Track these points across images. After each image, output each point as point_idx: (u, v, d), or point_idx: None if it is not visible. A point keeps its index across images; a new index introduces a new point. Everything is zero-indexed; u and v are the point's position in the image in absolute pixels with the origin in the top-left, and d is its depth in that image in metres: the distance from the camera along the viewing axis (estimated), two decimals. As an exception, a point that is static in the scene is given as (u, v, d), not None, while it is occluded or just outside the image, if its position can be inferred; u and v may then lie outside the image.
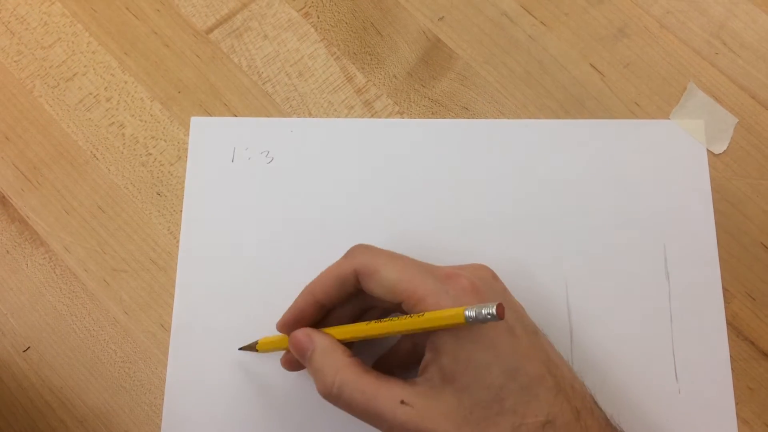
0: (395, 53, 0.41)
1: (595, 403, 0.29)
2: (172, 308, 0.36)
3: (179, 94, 0.40)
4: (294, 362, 0.33)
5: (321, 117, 0.40)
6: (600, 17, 0.42)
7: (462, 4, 0.42)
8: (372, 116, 0.40)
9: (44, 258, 0.37)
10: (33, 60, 0.41)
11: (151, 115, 0.40)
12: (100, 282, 0.37)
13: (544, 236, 0.37)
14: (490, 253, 0.37)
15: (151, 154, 0.39)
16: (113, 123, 0.40)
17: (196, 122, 0.40)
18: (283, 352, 0.34)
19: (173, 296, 0.37)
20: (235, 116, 0.40)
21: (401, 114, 0.40)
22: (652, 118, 0.40)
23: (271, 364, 0.35)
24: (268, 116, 0.40)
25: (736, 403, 0.35)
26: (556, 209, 0.38)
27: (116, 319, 0.36)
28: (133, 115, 0.40)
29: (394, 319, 0.29)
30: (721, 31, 0.41)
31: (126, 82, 0.41)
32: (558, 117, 0.40)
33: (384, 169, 0.39)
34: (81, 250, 0.38)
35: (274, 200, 0.38)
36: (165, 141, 0.39)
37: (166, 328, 0.36)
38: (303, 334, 0.30)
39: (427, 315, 0.27)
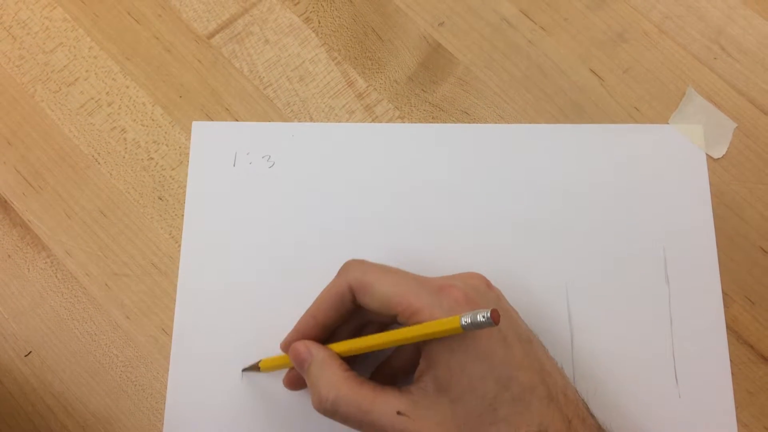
0: (396, 58, 0.41)
1: (588, 410, 0.29)
2: (173, 312, 0.36)
3: (181, 98, 0.40)
4: (295, 381, 0.33)
5: (322, 121, 0.40)
6: (599, 22, 0.42)
7: (462, 10, 0.42)
8: (373, 121, 0.40)
9: (46, 262, 0.38)
10: (35, 65, 0.41)
11: (153, 120, 0.40)
12: (101, 286, 0.37)
13: (544, 241, 0.37)
14: (489, 258, 0.37)
15: (152, 158, 0.39)
16: (115, 127, 0.40)
17: (198, 127, 0.40)
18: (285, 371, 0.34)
19: (175, 300, 0.37)
20: (237, 121, 0.40)
21: (402, 119, 0.40)
22: (652, 123, 0.40)
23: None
24: (269, 121, 0.40)
25: (736, 407, 0.35)
26: (556, 214, 0.38)
27: (118, 323, 0.37)
28: (134, 120, 0.40)
29: (391, 331, 0.29)
30: (720, 36, 0.42)
31: (127, 87, 0.41)
32: (557, 121, 0.40)
33: (384, 173, 0.39)
34: (82, 254, 0.38)
35: (276, 204, 0.38)
36: (166, 145, 0.40)
37: (167, 332, 0.36)
38: (303, 345, 0.31)
39: (425, 325, 0.27)
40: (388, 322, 0.32)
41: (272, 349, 0.34)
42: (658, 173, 0.39)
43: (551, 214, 0.38)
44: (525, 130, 0.40)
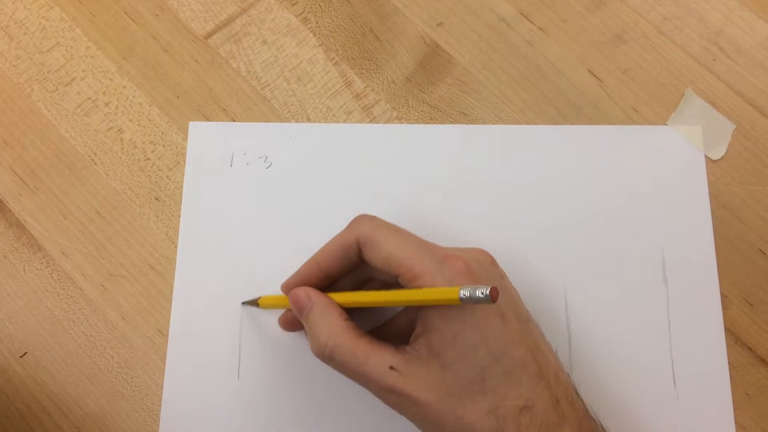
0: (394, 59, 0.41)
1: (577, 394, 0.30)
2: (169, 313, 0.36)
3: (178, 98, 0.40)
4: (291, 322, 0.34)
5: (319, 122, 0.40)
6: (598, 23, 0.42)
7: (460, 10, 0.42)
8: (370, 121, 0.40)
9: (42, 263, 0.37)
10: (31, 64, 0.41)
11: (150, 120, 0.40)
12: (97, 287, 0.37)
13: (542, 242, 0.37)
14: (488, 259, 0.37)
15: (149, 159, 0.39)
16: (111, 128, 0.40)
17: (195, 127, 0.40)
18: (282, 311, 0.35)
19: (171, 301, 0.36)
20: (234, 121, 0.40)
21: (400, 119, 0.40)
22: (650, 124, 0.40)
23: (270, 369, 0.35)
24: (266, 121, 0.40)
25: (734, 409, 0.35)
26: (555, 215, 0.38)
27: (114, 324, 0.36)
28: (131, 120, 0.40)
29: (390, 291, 0.29)
30: (719, 37, 0.42)
31: (124, 87, 0.40)
32: (556, 123, 0.40)
33: (382, 174, 0.39)
34: (79, 255, 0.37)
35: (273, 205, 0.38)
36: (163, 146, 0.39)
37: (163, 333, 0.36)
38: (303, 292, 0.31)
39: (424, 290, 0.28)
40: (390, 281, 0.32)
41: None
42: (656, 175, 0.38)
43: (549, 216, 0.38)
44: (523, 131, 0.40)
